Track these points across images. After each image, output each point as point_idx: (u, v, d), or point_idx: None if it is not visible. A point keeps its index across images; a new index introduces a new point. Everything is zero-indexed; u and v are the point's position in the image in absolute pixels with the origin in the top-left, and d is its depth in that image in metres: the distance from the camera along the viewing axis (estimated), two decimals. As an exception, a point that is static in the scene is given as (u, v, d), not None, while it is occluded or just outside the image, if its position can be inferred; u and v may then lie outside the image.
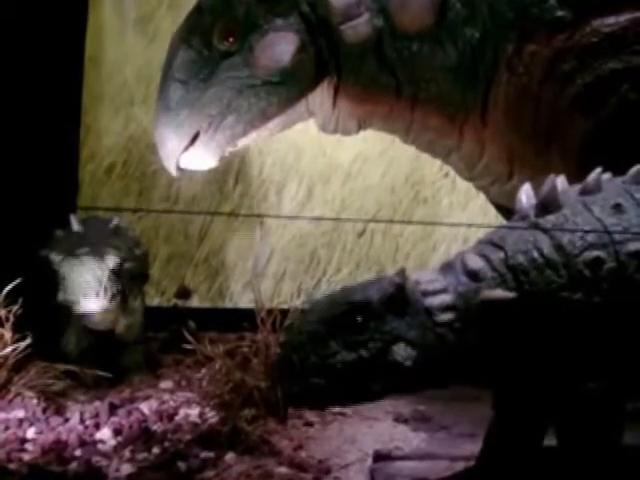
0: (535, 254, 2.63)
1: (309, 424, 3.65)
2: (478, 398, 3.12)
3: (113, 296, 3.92)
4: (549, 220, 2.71)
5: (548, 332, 2.61)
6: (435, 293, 2.58)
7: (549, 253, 2.63)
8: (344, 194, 5.17)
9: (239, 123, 3.54)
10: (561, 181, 2.88)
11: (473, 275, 2.62)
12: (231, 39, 3.52)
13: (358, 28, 3.50)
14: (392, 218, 5.18)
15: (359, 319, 2.51)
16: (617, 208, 2.72)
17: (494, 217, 4.53)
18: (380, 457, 3.28)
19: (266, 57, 3.50)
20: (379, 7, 3.49)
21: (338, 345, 2.49)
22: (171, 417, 3.71)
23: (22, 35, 4.57)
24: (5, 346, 3.77)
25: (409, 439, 3.54)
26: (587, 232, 2.70)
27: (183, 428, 3.60)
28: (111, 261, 3.97)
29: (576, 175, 3.41)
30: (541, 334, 2.60)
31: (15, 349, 3.77)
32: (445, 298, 2.58)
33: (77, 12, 4.85)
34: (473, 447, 3.12)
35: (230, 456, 3.33)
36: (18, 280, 3.85)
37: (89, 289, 3.87)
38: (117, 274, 3.96)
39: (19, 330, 3.81)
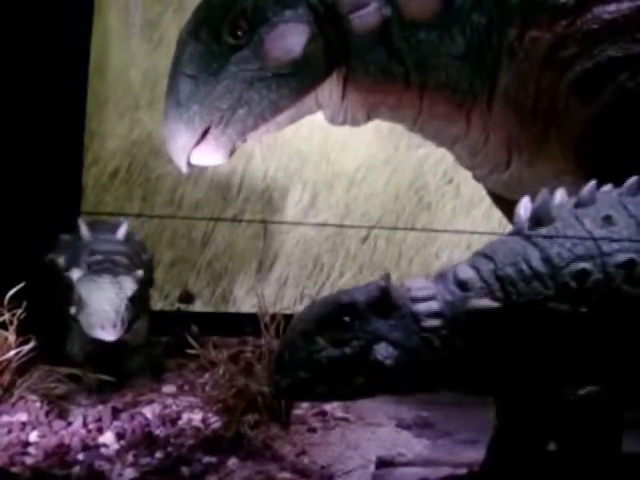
0: (524, 266, 2.69)
1: (312, 430, 3.65)
2: (481, 404, 3.11)
3: (129, 324, 3.88)
4: (541, 233, 2.76)
5: (534, 342, 2.66)
6: (423, 300, 2.68)
7: (537, 265, 2.69)
8: (348, 200, 5.18)
9: (250, 116, 3.52)
10: (561, 193, 2.92)
11: (462, 284, 2.70)
12: (240, 32, 3.51)
13: (366, 17, 3.49)
14: (396, 224, 5.18)
15: (346, 319, 2.64)
16: (607, 220, 2.75)
17: (497, 223, 4.55)
18: (383, 463, 3.27)
19: (277, 49, 3.49)
20: None
21: (325, 342, 2.63)
22: (174, 422, 3.71)
23: (27, 40, 4.58)
24: (9, 349, 3.76)
25: (412, 445, 3.53)
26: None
27: (186, 433, 3.59)
28: (129, 289, 3.91)
29: (572, 163, 3.44)
30: (526, 343, 2.66)
31: (18, 352, 3.76)
32: (432, 305, 2.67)
33: (82, 17, 4.86)
34: (476, 454, 3.12)
35: (233, 461, 3.33)
36: (22, 284, 3.84)
37: (107, 320, 3.81)
38: (133, 301, 3.92)
39: (23, 333, 3.81)
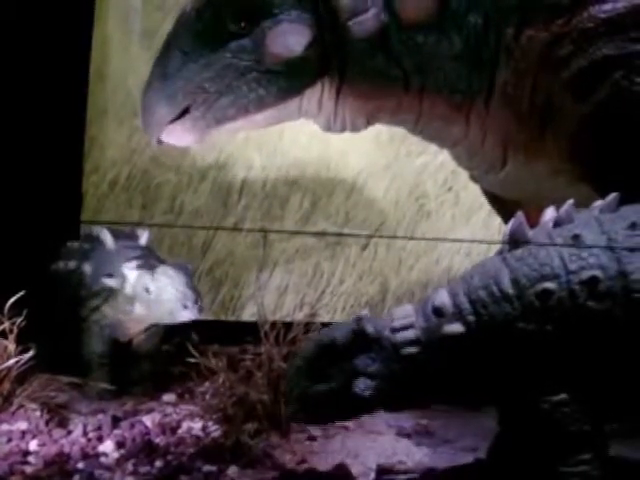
0: (494, 288, 2.84)
1: (312, 438, 3.65)
2: (480, 412, 3.12)
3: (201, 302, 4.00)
4: (515, 254, 2.89)
5: (505, 359, 2.81)
6: (402, 329, 2.89)
7: (506, 286, 2.83)
8: (348, 207, 5.18)
9: (233, 106, 3.52)
10: (550, 211, 3.02)
11: (437, 311, 2.88)
12: (243, 21, 3.49)
13: (366, 23, 3.49)
14: (396, 231, 5.19)
15: (327, 358, 2.92)
16: (576, 239, 2.85)
17: (496, 230, 4.54)
18: (383, 471, 3.27)
19: (277, 45, 3.49)
20: (384, 0, 3.49)
21: (315, 378, 2.93)
22: (174, 430, 3.70)
23: (27, 47, 4.58)
24: (8, 358, 3.76)
25: (412, 453, 3.53)
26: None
27: (186, 441, 3.59)
28: (190, 270, 4.05)
29: (568, 162, 3.46)
30: (499, 361, 2.81)
31: (18, 361, 3.76)
32: (409, 334, 2.88)
33: (82, 25, 4.86)
34: (476, 461, 3.12)
35: (233, 470, 3.32)
36: (22, 292, 3.83)
37: (188, 300, 3.92)
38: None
39: (24, 342, 3.80)
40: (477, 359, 2.81)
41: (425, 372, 2.85)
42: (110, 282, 4.05)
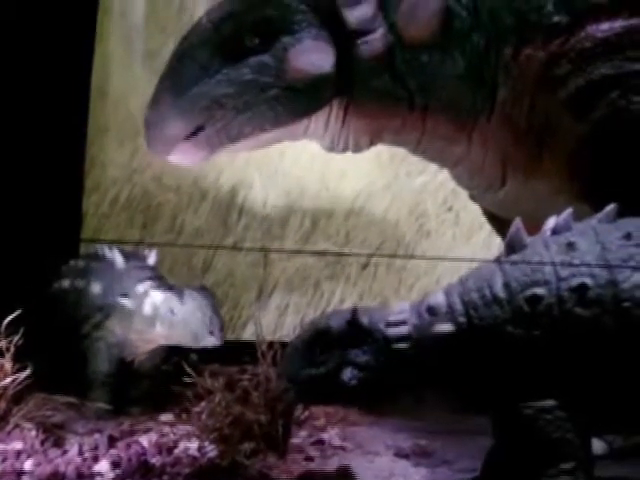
0: (487, 291, 2.88)
1: (309, 459, 3.62)
2: (479, 432, 3.10)
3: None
4: (511, 259, 2.92)
5: (493, 361, 2.84)
6: (396, 324, 2.94)
7: (498, 290, 2.87)
8: (348, 227, 5.17)
9: (250, 123, 3.46)
10: (552, 220, 3.02)
11: (431, 310, 2.93)
12: (262, 37, 3.44)
13: (373, 43, 3.50)
14: (396, 251, 5.18)
15: (321, 344, 2.99)
16: (570, 246, 2.88)
17: (497, 250, 4.52)
18: (380, 493, 3.26)
19: (300, 62, 3.46)
20: (389, 21, 3.49)
21: (306, 362, 3.01)
22: (170, 450, 3.68)
23: (29, 65, 4.60)
24: (5, 377, 3.74)
25: (410, 474, 3.50)
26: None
27: (182, 461, 3.56)
28: (212, 297, 4.06)
29: (566, 181, 3.45)
30: (486, 363, 2.84)
31: (15, 380, 3.74)
32: (402, 329, 2.92)
33: (84, 44, 4.89)
34: (473, 482, 3.10)
35: (229, 490, 3.31)
36: (19, 311, 3.82)
37: (214, 326, 3.96)
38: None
39: (20, 361, 3.79)
40: (465, 360, 2.85)
41: (413, 369, 2.88)
42: (125, 302, 4.05)
